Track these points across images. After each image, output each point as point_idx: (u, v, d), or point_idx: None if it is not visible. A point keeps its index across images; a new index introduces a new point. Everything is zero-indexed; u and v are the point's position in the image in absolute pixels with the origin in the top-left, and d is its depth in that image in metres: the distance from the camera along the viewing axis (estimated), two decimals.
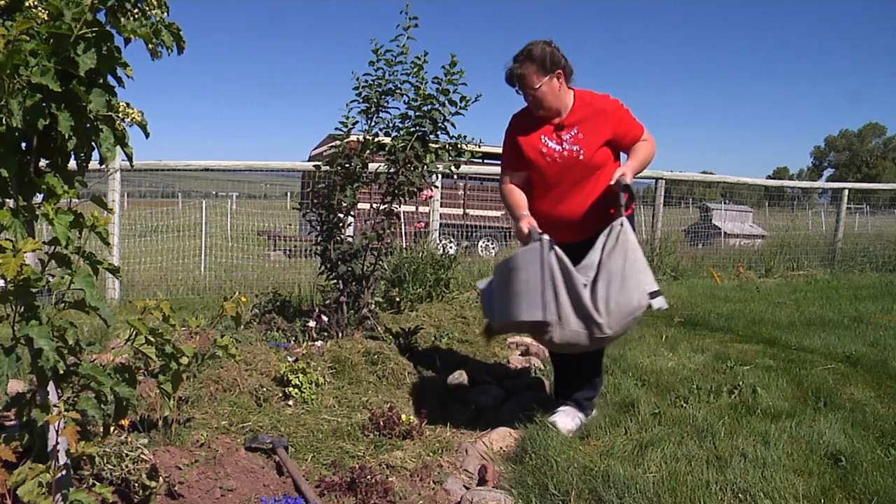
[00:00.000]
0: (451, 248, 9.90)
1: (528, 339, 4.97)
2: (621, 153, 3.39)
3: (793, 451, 3.00)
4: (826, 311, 6.78)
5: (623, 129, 3.29)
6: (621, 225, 3.10)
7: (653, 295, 3.07)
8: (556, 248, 3.06)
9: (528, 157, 3.33)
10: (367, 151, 4.76)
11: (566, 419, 3.29)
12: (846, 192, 11.40)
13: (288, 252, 11.37)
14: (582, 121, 3.26)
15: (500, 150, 3.52)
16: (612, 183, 3.17)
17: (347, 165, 4.75)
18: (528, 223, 3.21)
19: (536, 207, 3.38)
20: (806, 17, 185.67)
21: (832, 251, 11.09)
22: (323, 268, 4.88)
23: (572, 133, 3.25)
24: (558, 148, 3.26)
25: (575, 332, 3.03)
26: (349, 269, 4.76)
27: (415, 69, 4.59)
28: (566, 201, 3.30)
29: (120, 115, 1.91)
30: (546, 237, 3.08)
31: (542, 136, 3.30)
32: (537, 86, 3.19)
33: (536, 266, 3.02)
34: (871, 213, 17.78)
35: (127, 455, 2.33)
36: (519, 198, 3.40)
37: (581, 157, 3.22)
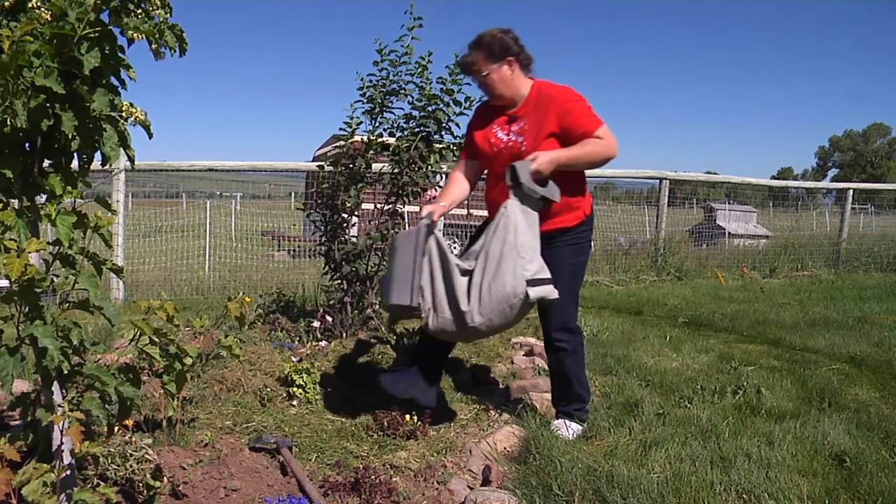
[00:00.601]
0: (455, 248, 9.90)
1: (532, 339, 4.97)
2: None
3: (797, 452, 3.00)
4: (830, 312, 6.76)
5: (571, 121, 3.10)
6: (505, 207, 3.01)
7: (533, 283, 2.89)
8: (437, 233, 3.02)
9: (477, 146, 3.32)
10: (371, 152, 4.76)
11: (563, 432, 3.26)
12: (850, 192, 11.36)
13: (292, 252, 11.38)
14: (532, 111, 3.19)
15: None
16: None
17: (351, 166, 4.75)
18: (429, 208, 3.17)
19: (489, 196, 3.37)
20: (810, 17, 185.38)
21: (836, 251, 11.06)
22: (327, 268, 4.89)
23: (521, 124, 3.19)
24: (504, 138, 3.22)
25: (448, 319, 2.99)
26: (353, 269, 4.76)
27: (419, 69, 4.59)
28: (509, 194, 3.20)
29: (123, 115, 1.91)
30: (425, 221, 3.04)
31: (495, 127, 3.27)
32: (485, 73, 3.16)
33: (410, 249, 2.98)
34: (876, 213, 17.70)
35: (131, 455, 2.33)
36: (450, 187, 3.39)
37: (524, 148, 3.15)
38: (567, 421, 3.32)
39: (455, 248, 9.82)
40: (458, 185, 3.40)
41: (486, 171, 3.44)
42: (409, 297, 2.94)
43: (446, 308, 2.99)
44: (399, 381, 3.41)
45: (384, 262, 5.01)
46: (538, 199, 3.03)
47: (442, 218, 3.22)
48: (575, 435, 3.26)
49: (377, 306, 5.01)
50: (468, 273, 2.99)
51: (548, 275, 2.99)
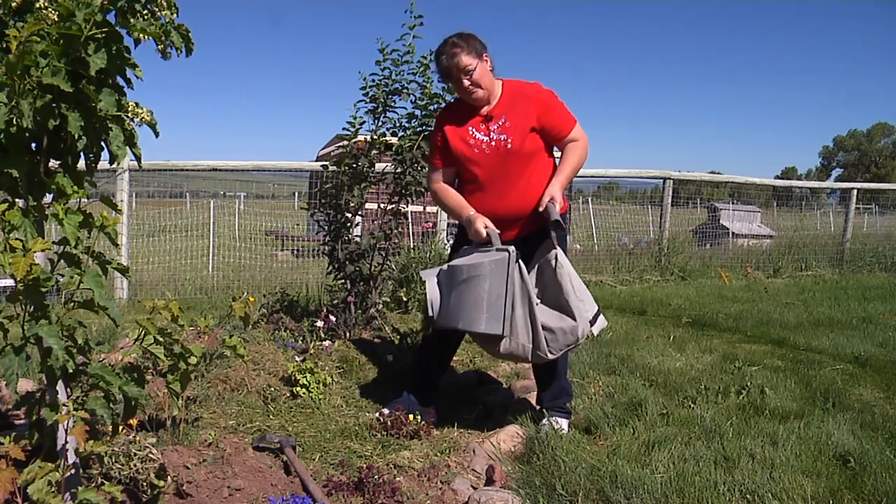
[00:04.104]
0: None
1: None
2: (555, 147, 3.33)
3: (801, 452, 2.99)
4: (834, 312, 6.75)
5: (550, 119, 3.18)
6: (556, 259, 3.09)
7: (593, 321, 3.12)
8: (520, 262, 3.07)
9: (456, 151, 3.24)
10: (375, 151, 4.76)
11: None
12: (855, 192, 11.34)
13: (296, 252, 11.39)
14: (508, 109, 3.18)
15: None
16: (541, 210, 3.12)
17: (355, 165, 4.75)
18: (484, 223, 3.15)
19: (472, 206, 3.27)
20: (814, 16, 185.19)
21: (841, 251, 11.04)
22: (331, 268, 4.89)
23: (500, 123, 3.17)
24: (485, 139, 3.18)
25: (522, 345, 3.05)
26: (357, 268, 4.76)
27: (421, 68, 4.58)
28: (503, 197, 3.21)
29: (129, 114, 1.92)
30: (512, 248, 3.06)
31: (470, 129, 3.23)
32: (473, 66, 3.11)
33: (503, 279, 3.01)
34: (880, 213, 17.66)
35: (135, 454, 2.34)
36: (455, 196, 3.31)
37: (509, 146, 3.14)
38: (557, 418, 3.33)
39: None
40: (459, 195, 3.32)
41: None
42: (502, 326, 3.02)
43: (522, 334, 3.05)
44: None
45: (387, 262, 5.01)
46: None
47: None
48: (565, 430, 3.28)
49: (380, 306, 5.01)
50: (538, 304, 3.10)
51: (596, 306, 3.17)
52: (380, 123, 4.72)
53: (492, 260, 3.04)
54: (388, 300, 5.75)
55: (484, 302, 3.00)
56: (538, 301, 3.11)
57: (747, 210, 15.75)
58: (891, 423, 3.36)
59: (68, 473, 1.90)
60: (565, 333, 3.04)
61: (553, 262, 3.09)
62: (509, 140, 3.14)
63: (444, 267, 3.19)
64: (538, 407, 3.48)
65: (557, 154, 3.31)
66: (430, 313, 3.18)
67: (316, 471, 2.86)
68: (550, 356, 3.07)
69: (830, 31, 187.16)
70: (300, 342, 4.45)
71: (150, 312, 2.27)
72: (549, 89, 3.23)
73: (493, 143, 3.17)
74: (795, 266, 10.40)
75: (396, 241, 4.92)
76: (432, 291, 3.18)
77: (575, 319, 3.05)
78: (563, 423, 3.32)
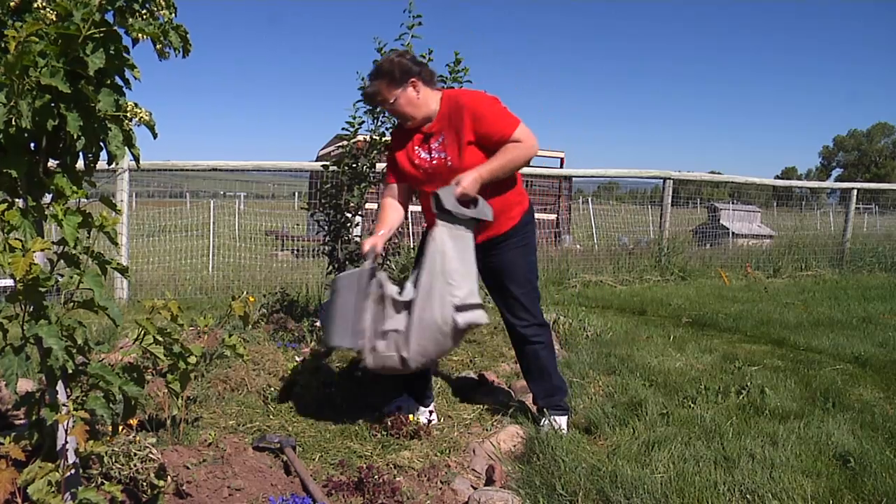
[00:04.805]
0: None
1: None
2: None
3: (801, 452, 2.99)
4: (835, 312, 6.75)
5: (485, 128, 3.04)
6: (433, 236, 2.99)
7: (462, 309, 2.93)
8: (379, 274, 3.02)
9: (404, 171, 3.24)
10: (375, 151, 4.76)
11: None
12: (855, 192, 11.33)
13: (296, 252, 11.38)
14: (446, 125, 3.12)
15: None
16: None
17: (355, 165, 4.75)
18: (370, 242, 3.13)
19: (428, 217, 3.24)
20: (815, 16, 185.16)
21: (841, 251, 11.04)
22: (331, 268, 4.89)
23: (440, 140, 3.12)
24: (427, 157, 3.15)
25: (388, 356, 2.99)
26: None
27: None
28: None
29: (128, 115, 1.92)
30: (368, 263, 3.03)
31: (415, 147, 3.19)
32: (392, 100, 3.10)
33: (352, 293, 2.98)
34: (880, 213, 17.68)
35: (135, 454, 2.34)
36: (384, 214, 3.28)
37: (450, 164, 3.09)
38: (555, 417, 3.33)
39: None
40: (393, 211, 3.30)
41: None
42: (350, 340, 2.99)
43: (381, 346, 2.99)
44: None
45: (387, 262, 5.00)
46: (469, 220, 3.01)
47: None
48: (564, 428, 3.28)
49: None
50: (408, 305, 2.99)
51: (477, 300, 3.00)
52: (379, 123, 4.72)
53: (346, 275, 3.06)
54: None
55: (337, 316, 2.99)
56: (412, 295, 2.99)
57: (747, 210, 15.77)
58: (891, 423, 3.36)
59: (68, 473, 1.90)
60: (423, 322, 2.91)
61: (430, 237, 3.01)
62: (448, 159, 3.09)
63: None
64: (535, 407, 3.48)
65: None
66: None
67: (316, 471, 2.86)
68: (414, 349, 2.95)
69: (830, 31, 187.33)
70: (300, 342, 4.45)
71: (150, 312, 2.27)
72: (491, 97, 3.15)
73: (434, 162, 3.14)
74: (795, 266, 10.40)
75: (396, 241, 4.92)
76: (321, 311, 3.17)
77: (436, 304, 2.91)
78: (562, 421, 3.32)
